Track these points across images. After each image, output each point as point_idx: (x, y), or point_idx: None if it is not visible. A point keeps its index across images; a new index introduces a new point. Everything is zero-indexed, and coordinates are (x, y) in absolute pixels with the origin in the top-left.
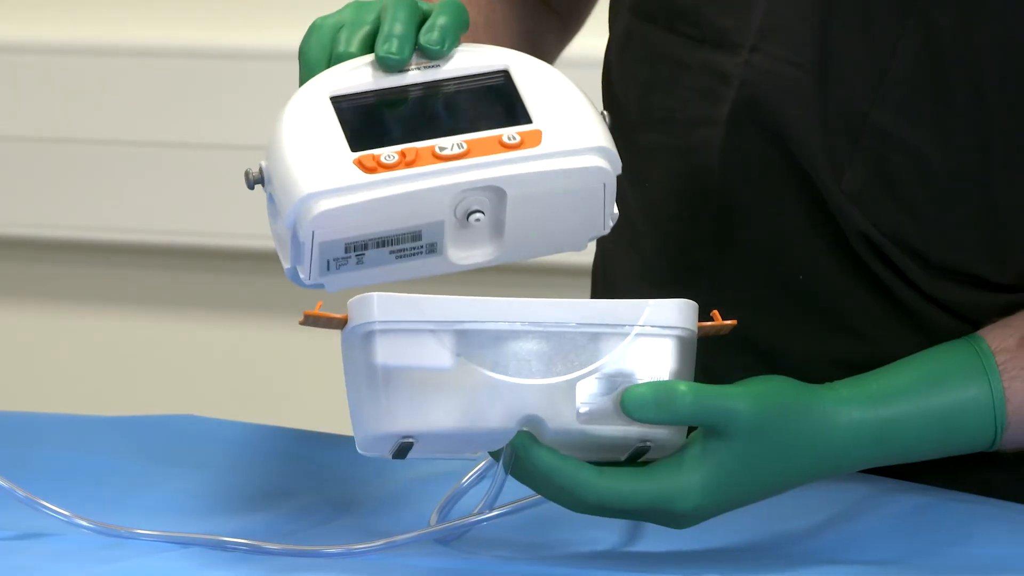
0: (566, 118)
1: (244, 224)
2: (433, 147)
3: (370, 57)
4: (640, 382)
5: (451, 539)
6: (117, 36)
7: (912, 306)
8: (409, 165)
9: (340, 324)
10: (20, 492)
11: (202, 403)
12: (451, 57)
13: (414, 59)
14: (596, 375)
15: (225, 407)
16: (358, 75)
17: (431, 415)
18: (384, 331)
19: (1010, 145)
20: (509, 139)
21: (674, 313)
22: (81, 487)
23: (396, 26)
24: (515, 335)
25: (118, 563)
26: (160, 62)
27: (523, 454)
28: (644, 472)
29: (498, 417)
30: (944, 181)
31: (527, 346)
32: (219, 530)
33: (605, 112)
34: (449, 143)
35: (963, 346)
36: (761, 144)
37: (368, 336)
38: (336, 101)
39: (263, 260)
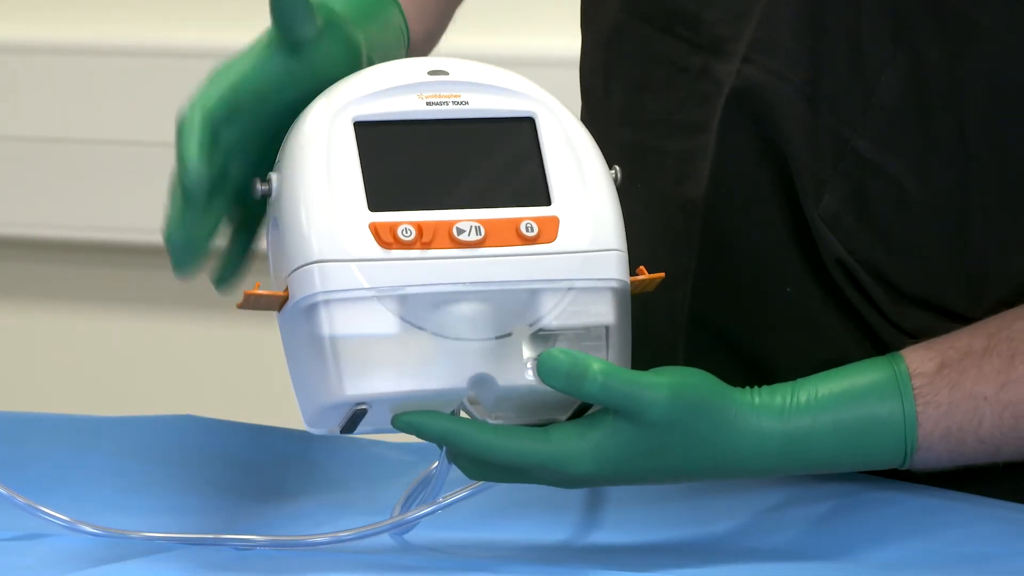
0: (583, 198)
1: None
2: (451, 228)
3: (392, 67)
4: (564, 347)
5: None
6: (117, 36)
7: (882, 335)
8: (425, 246)
9: (280, 302)
10: (20, 499)
11: (201, 403)
12: (478, 88)
13: (441, 88)
14: (540, 329)
15: (225, 407)
16: (384, 99)
17: (381, 380)
18: (327, 301)
19: (989, 181)
20: (527, 230)
21: (609, 265)
22: (81, 487)
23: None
24: (457, 296)
25: (118, 563)
26: (160, 62)
27: (422, 431)
28: (543, 432)
29: (448, 378)
30: (921, 213)
31: (470, 305)
32: (218, 530)
33: (616, 168)
34: (468, 225)
35: (882, 365)
36: (751, 155)
37: (312, 308)
38: (360, 130)
39: (262, 260)
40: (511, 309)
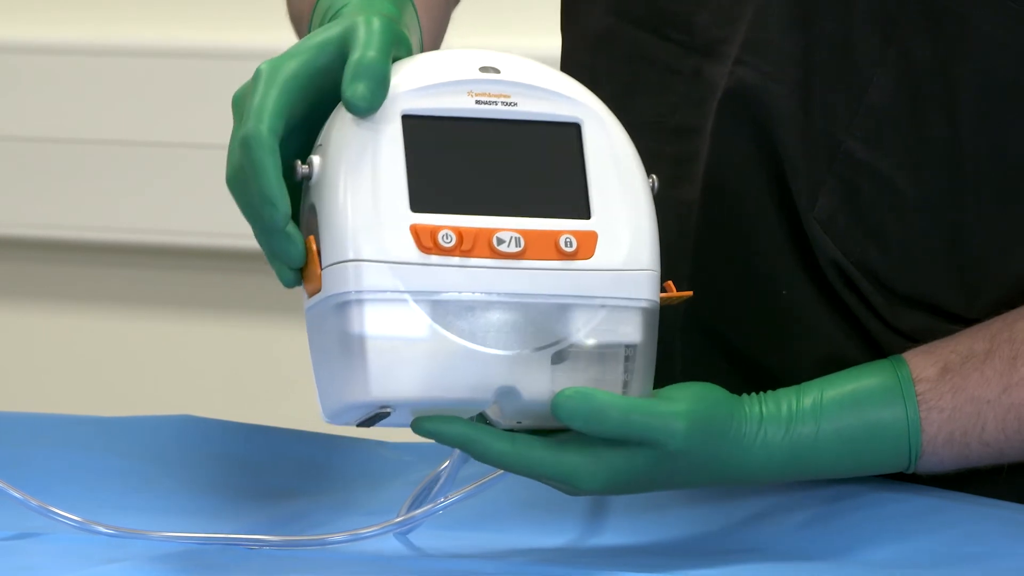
0: (622, 213)
1: (244, 224)
2: (491, 237)
3: (444, 60)
4: (590, 363)
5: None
6: (117, 36)
7: (876, 336)
8: (465, 254)
9: (312, 291)
10: (33, 502)
11: (201, 403)
12: (528, 90)
13: (492, 87)
14: (570, 346)
15: (224, 407)
16: (434, 94)
17: (407, 384)
18: (361, 301)
19: (982, 181)
20: (566, 244)
21: (642, 285)
22: (81, 487)
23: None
24: (491, 305)
25: (119, 563)
26: (160, 62)
27: (440, 437)
28: (557, 446)
29: (474, 387)
30: (914, 213)
31: (502, 316)
32: (218, 531)
33: (654, 177)
34: (508, 236)
35: (885, 370)
36: (745, 157)
37: (343, 306)
38: (408, 123)
39: (263, 260)
40: (543, 323)
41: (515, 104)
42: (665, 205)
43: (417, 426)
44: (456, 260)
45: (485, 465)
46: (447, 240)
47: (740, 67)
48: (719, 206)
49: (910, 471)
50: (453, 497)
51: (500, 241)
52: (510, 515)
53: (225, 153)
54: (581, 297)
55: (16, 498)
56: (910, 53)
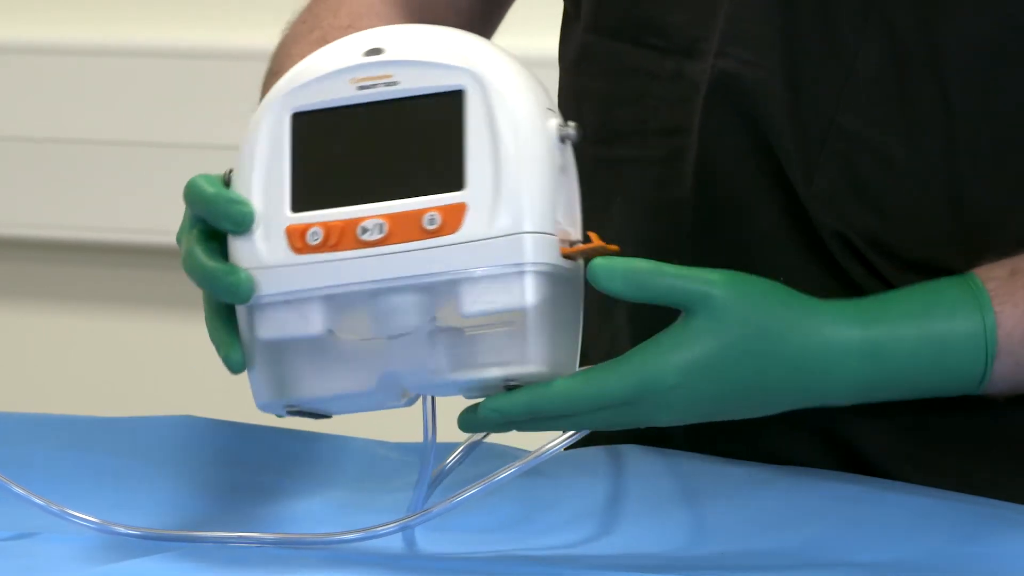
0: (502, 178)
1: None
2: (356, 227)
3: (333, 49)
4: (475, 336)
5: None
6: (117, 36)
7: None
8: (332, 248)
9: None
10: (54, 507)
11: (201, 403)
12: (410, 65)
13: (373, 69)
14: (450, 323)
15: (225, 407)
16: (317, 87)
17: (304, 384)
18: (247, 306)
19: (976, 142)
20: (429, 222)
21: (519, 249)
22: (81, 488)
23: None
24: (360, 296)
25: (123, 563)
26: (160, 62)
27: (509, 417)
28: (620, 361)
29: (359, 378)
30: (912, 181)
31: (374, 305)
32: (218, 530)
33: (572, 125)
34: (372, 223)
35: (956, 279)
36: (735, 146)
37: (249, 310)
38: (296, 122)
39: None
40: (419, 304)
41: (396, 83)
42: (655, 207)
43: (484, 410)
44: (322, 256)
45: (483, 465)
46: (314, 238)
47: (721, 59)
48: (712, 199)
49: (985, 379)
50: (455, 499)
51: (364, 230)
52: (511, 515)
53: (223, 152)
54: (448, 272)
55: (37, 503)
56: (893, 21)
